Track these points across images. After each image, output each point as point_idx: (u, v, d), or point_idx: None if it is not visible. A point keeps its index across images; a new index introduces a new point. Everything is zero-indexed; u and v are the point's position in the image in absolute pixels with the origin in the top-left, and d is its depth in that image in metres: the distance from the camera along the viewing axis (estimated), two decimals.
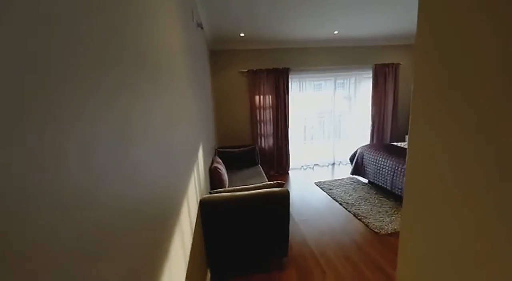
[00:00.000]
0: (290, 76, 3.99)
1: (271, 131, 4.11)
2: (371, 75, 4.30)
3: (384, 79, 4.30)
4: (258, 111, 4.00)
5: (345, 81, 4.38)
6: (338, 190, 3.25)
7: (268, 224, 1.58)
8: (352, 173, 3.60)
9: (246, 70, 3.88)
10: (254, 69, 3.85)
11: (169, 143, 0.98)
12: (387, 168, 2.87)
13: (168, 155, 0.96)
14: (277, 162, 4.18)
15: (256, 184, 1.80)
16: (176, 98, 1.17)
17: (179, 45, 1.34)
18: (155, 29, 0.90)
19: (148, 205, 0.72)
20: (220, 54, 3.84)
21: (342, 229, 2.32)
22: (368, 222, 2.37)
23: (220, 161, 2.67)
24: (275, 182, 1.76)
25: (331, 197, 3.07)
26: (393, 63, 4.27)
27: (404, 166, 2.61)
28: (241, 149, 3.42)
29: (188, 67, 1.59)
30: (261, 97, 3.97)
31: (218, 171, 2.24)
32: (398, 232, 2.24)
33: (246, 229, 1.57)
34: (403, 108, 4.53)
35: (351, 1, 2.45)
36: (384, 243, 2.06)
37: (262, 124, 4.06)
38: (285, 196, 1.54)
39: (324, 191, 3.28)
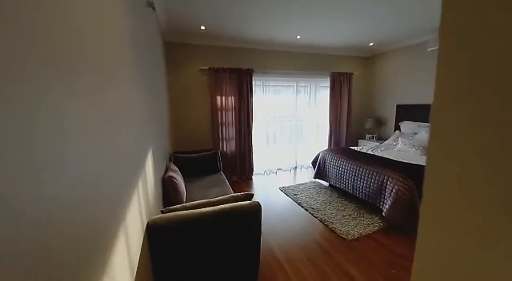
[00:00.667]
0: (253, 77, 3.84)
1: (234, 135, 3.86)
2: (328, 83, 4.48)
3: (340, 87, 4.54)
4: (219, 112, 3.71)
5: (306, 86, 4.47)
6: (303, 195, 3.20)
7: (236, 245, 1.33)
8: (315, 177, 3.62)
9: (207, 68, 3.56)
10: (216, 67, 3.57)
11: (94, 161, 0.65)
12: (348, 171, 2.93)
13: (94, 182, 0.63)
14: (240, 168, 3.95)
15: (220, 197, 1.53)
16: (112, 97, 0.84)
17: (118, 30, 1.00)
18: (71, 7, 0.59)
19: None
20: (178, 48, 3.44)
21: (311, 237, 2.22)
22: (335, 228, 2.33)
23: (176, 168, 2.30)
24: (242, 193, 1.52)
25: (297, 202, 2.99)
26: (347, 73, 4.55)
27: (364, 170, 2.70)
28: (201, 154, 3.06)
29: (133, 58, 1.25)
30: (223, 98, 3.70)
31: (174, 181, 1.88)
32: (364, 236, 2.25)
33: (209, 253, 1.28)
34: (355, 116, 4.86)
35: (314, 3, 2.43)
36: (353, 249, 2.02)
37: (224, 127, 3.78)
38: (256, 211, 1.32)
39: (289, 196, 3.18)
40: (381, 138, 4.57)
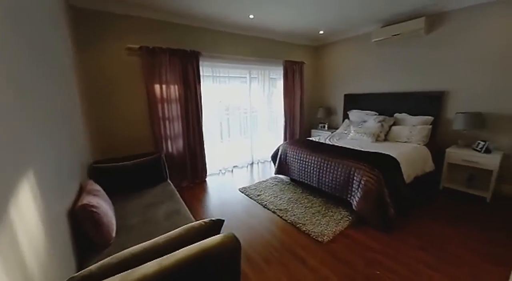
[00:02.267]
0: (201, 62, 3.23)
1: (181, 131, 3.21)
2: (282, 71, 4.26)
3: (292, 76, 4.39)
4: (160, 105, 2.98)
5: (259, 75, 4.11)
6: (267, 194, 2.90)
7: None
8: (277, 173, 3.37)
9: (138, 47, 2.76)
10: (151, 47, 2.80)
11: None
12: (312, 165, 2.77)
13: None
14: (191, 170, 3.35)
15: (172, 231, 1.01)
16: None
17: None
18: None
19: None
20: (94, 17, 2.51)
21: (285, 245, 1.93)
22: (309, 230, 2.11)
23: (98, 188, 1.59)
24: (208, 220, 1.05)
25: (262, 204, 2.66)
26: (298, 61, 4.42)
27: (330, 162, 2.56)
28: (138, 160, 2.33)
29: None
30: (164, 86, 2.97)
31: (93, 212, 1.24)
32: (338, 234, 1.99)
33: None
34: (307, 106, 4.85)
35: None
36: (331, 253, 1.82)
37: (168, 123, 3.08)
38: (233, 249, 0.88)
39: (252, 198, 2.83)
40: (332, 127, 4.70)
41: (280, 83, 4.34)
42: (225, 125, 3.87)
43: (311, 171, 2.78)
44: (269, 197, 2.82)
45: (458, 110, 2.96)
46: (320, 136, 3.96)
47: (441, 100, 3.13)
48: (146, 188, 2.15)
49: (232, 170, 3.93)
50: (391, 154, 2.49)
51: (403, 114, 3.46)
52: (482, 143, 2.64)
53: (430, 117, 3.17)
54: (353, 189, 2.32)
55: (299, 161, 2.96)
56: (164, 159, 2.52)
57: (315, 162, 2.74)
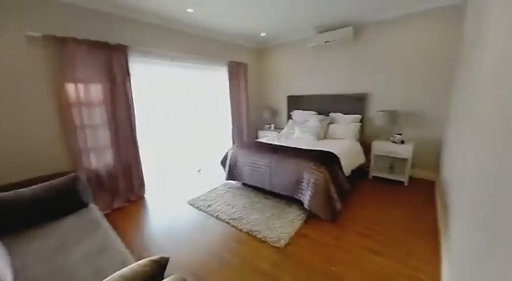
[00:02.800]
0: (133, 58, 2.76)
1: (108, 141, 2.66)
2: (227, 72, 4.12)
3: (237, 78, 4.31)
4: (77, 109, 2.38)
5: (204, 75, 3.85)
6: (218, 203, 2.71)
7: None
8: (228, 179, 3.20)
9: (40, 35, 2.12)
10: (60, 36, 2.20)
11: None
12: (264, 167, 2.73)
13: None
14: (125, 187, 2.82)
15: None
16: None
17: None
18: None
19: None
20: None
21: (243, 260, 1.79)
22: (265, 237, 2.04)
23: None
24: (148, 259, 0.81)
25: (214, 216, 2.45)
26: (243, 62, 4.37)
27: (280, 164, 2.57)
28: (42, 185, 1.74)
29: None
30: (82, 86, 2.39)
31: None
32: (294, 235, 1.99)
33: None
34: (253, 107, 4.86)
35: None
36: (289, 257, 1.80)
37: (90, 132, 2.50)
38: None
39: (203, 210, 2.58)
40: (278, 127, 4.84)
41: (225, 85, 4.18)
42: (167, 131, 3.45)
43: (263, 174, 2.74)
44: (222, 206, 2.63)
45: (378, 109, 3.47)
46: (268, 136, 4.01)
47: (365, 101, 3.60)
48: (57, 220, 1.61)
49: (177, 180, 3.54)
50: (333, 152, 2.69)
51: (338, 113, 3.83)
52: (398, 136, 3.15)
53: (358, 115, 3.61)
54: (303, 187, 2.39)
55: (250, 164, 2.88)
56: (85, 178, 2.01)
57: (266, 164, 2.71)
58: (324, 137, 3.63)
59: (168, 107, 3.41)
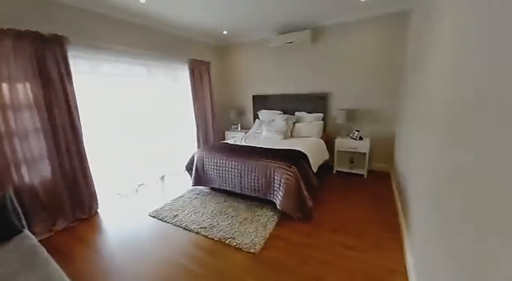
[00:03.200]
0: (74, 53, 2.35)
1: (45, 150, 2.21)
2: (188, 70, 3.87)
3: (200, 77, 4.09)
4: (0, 114, 1.92)
5: (162, 74, 3.54)
6: (186, 212, 2.50)
7: None
8: (194, 184, 3.00)
9: None
10: None
11: None
12: (232, 170, 2.62)
13: None
14: (70, 204, 2.40)
15: None
16: None
17: None
18: None
19: None
20: None
21: (220, 273, 1.67)
22: (239, 244, 1.94)
23: None
24: None
25: (181, 227, 2.25)
26: (205, 61, 4.17)
27: (250, 165, 2.50)
28: None
29: None
30: (4, 85, 1.93)
31: None
32: (268, 238, 1.95)
33: None
34: (219, 107, 4.69)
35: None
36: (266, 263, 1.74)
37: (17, 140, 2.04)
38: None
39: (168, 222, 2.35)
40: (245, 128, 4.77)
41: (187, 84, 3.92)
42: (123, 137, 3.06)
43: (232, 177, 2.63)
44: (189, 215, 2.44)
45: (339, 107, 3.68)
46: (235, 137, 3.90)
47: (326, 100, 3.78)
48: None
49: (137, 190, 3.18)
50: (301, 150, 2.73)
51: (302, 112, 3.94)
52: (357, 132, 3.38)
53: (321, 114, 3.78)
54: (275, 188, 2.36)
55: (218, 167, 2.74)
56: (13, 196, 1.61)
57: (235, 166, 2.61)
58: (291, 136, 3.70)
59: (124, 110, 3.03)
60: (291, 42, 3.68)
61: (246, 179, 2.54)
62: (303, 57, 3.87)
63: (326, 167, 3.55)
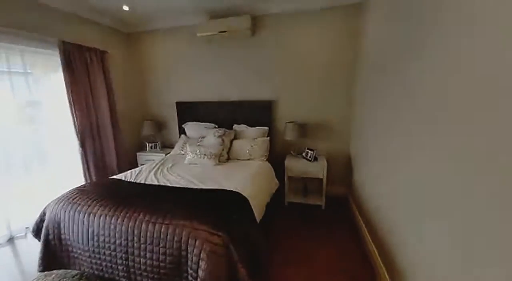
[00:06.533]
0: None
1: None
2: (58, 59, 2.41)
3: (86, 71, 2.68)
4: None
5: (3, 59, 2.00)
6: None
7: None
8: (44, 268, 1.59)
9: None
10: None
11: None
12: (116, 239, 1.41)
13: None
14: None
15: None
16: None
17: None
18: None
19: None
20: None
21: None
22: None
23: None
24: None
25: None
26: (97, 48, 2.78)
27: (146, 230, 1.35)
28: None
29: None
30: None
31: None
32: None
33: None
34: (124, 119, 3.29)
35: None
36: None
37: None
38: None
39: None
40: (166, 146, 3.52)
41: (57, 80, 2.45)
42: None
43: (114, 253, 1.41)
44: None
45: (287, 120, 2.91)
46: (149, 162, 2.65)
47: (271, 109, 2.97)
48: None
49: None
50: (239, 191, 1.74)
51: (242, 125, 3.01)
52: (310, 152, 2.65)
53: (266, 127, 2.92)
54: (191, 267, 1.28)
55: (87, 235, 1.47)
56: None
57: (121, 233, 1.40)
58: (228, 158, 2.70)
59: None
60: (224, 31, 2.73)
61: (138, 258, 1.37)
62: (241, 54, 2.97)
63: (275, 197, 2.68)
